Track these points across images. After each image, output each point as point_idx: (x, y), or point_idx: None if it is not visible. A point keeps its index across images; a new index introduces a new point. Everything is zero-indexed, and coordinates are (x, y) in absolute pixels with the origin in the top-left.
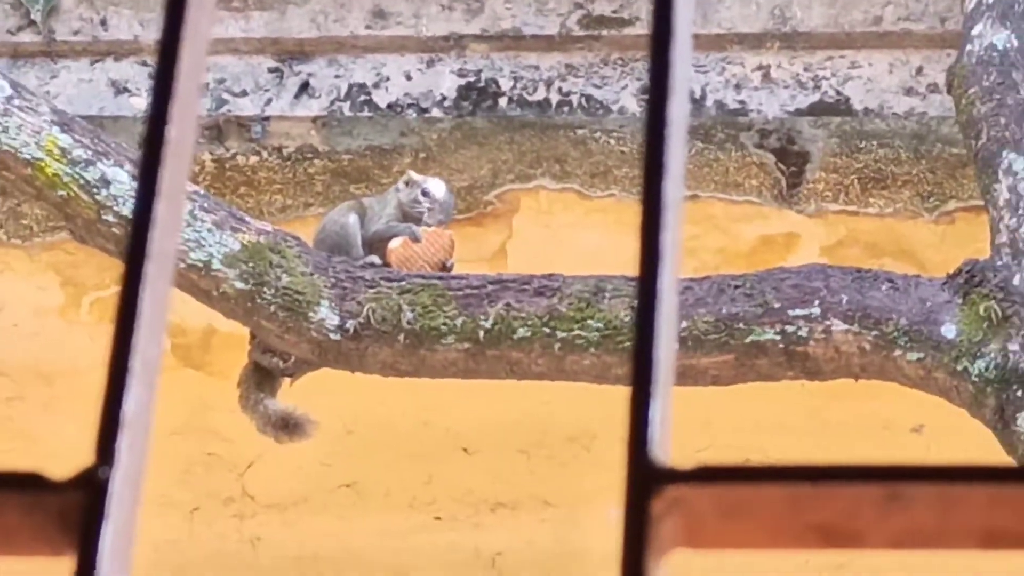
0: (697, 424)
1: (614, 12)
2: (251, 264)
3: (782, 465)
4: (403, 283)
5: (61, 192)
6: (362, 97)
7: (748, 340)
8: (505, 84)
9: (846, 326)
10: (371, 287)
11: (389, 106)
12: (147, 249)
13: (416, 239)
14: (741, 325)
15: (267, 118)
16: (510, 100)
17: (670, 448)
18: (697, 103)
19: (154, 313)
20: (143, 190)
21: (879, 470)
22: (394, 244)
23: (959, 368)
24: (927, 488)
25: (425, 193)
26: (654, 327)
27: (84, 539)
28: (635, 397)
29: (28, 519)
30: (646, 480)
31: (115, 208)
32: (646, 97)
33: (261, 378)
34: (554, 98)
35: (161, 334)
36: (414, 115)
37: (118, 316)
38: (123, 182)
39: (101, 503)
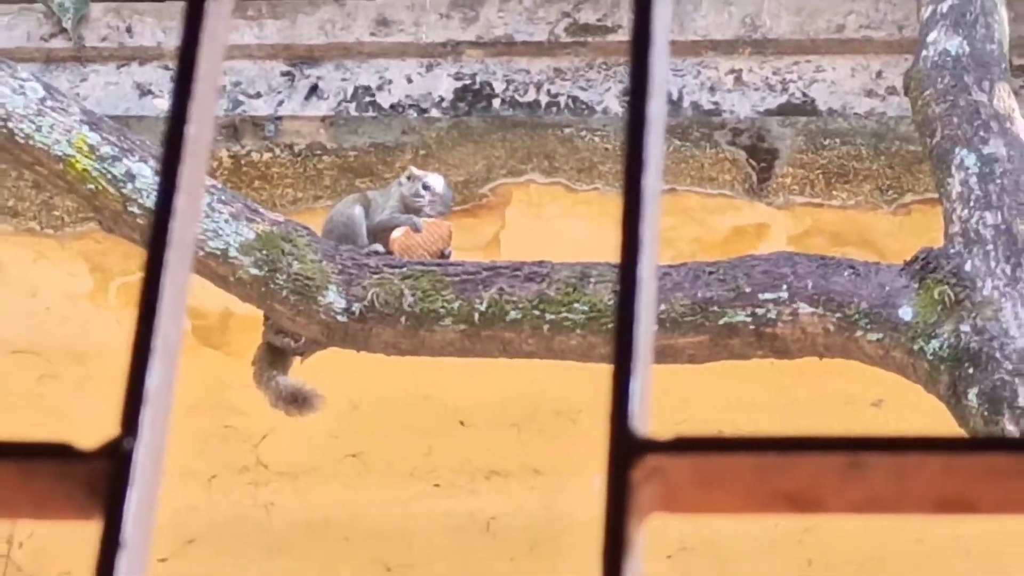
0: (675, 400)
1: (598, 20)
2: (265, 252)
3: (752, 437)
4: (404, 269)
5: (90, 186)
6: (367, 98)
7: (721, 322)
8: (498, 86)
9: (811, 309)
10: (375, 273)
11: (391, 107)
12: (168, 238)
13: (417, 229)
14: (715, 308)
15: (279, 118)
16: (503, 101)
17: (649, 420)
18: (674, 104)
19: (174, 297)
20: (165, 183)
21: (841, 441)
22: (397, 234)
23: (915, 347)
24: (885, 457)
25: (426, 187)
26: (634, 309)
27: (110, 504)
28: (617, 374)
29: (59, 486)
30: (627, 450)
31: (140, 200)
32: (628, 98)
33: (274, 357)
34: (543, 99)
35: (181, 316)
36: (414, 115)
37: (141, 299)
38: (147, 176)
39: (126, 471)
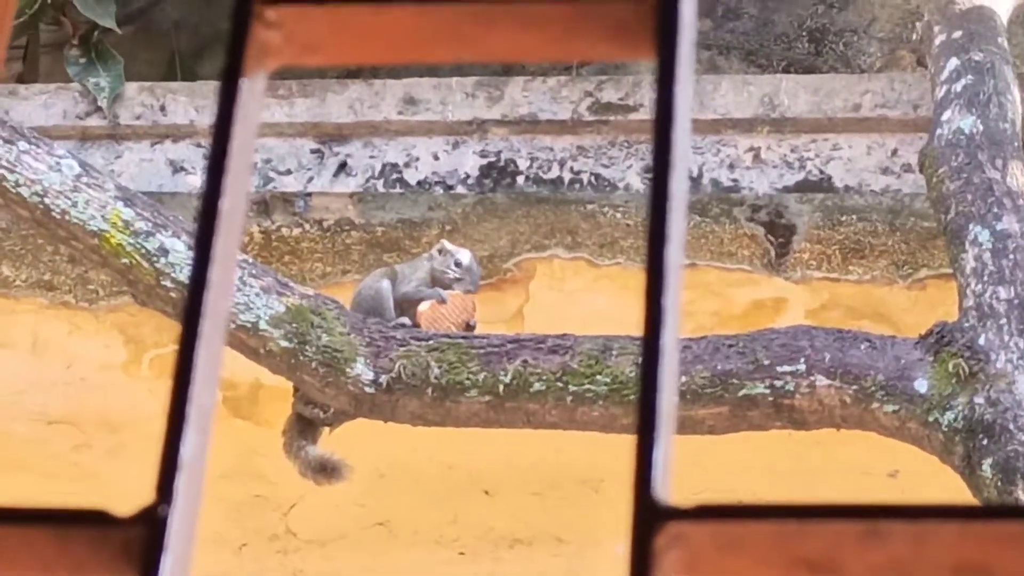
0: (695, 469)
1: (620, 99)
2: (294, 325)
3: (772, 504)
4: (431, 342)
5: (124, 260)
6: (394, 175)
7: (741, 394)
8: (522, 164)
9: (829, 381)
10: (402, 345)
11: (418, 183)
12: (203, 308)
13: (443, 301)
14: (734, 380)
15: (309, 194)
16: (527, 178)
17: (671, 489)
18: (694, 181)
19: (208, 365)
20: (199, 254)
21: (858, 508)
22: (423, 307)
23: (930, 419)
24: (902, 524)
25: (457, 263)
26: (657, 379)
27: (146, 570)
28: (640, 442)
29: (95, 552)
30: (650, 517)
31: (172, 275)
32: (650, 175)
33: (303, 427)
34: (567, 176)
35: (215, 385)
36: (441, 191)
37: (176, 368)
38: (180, 251)
39: (161, 537)
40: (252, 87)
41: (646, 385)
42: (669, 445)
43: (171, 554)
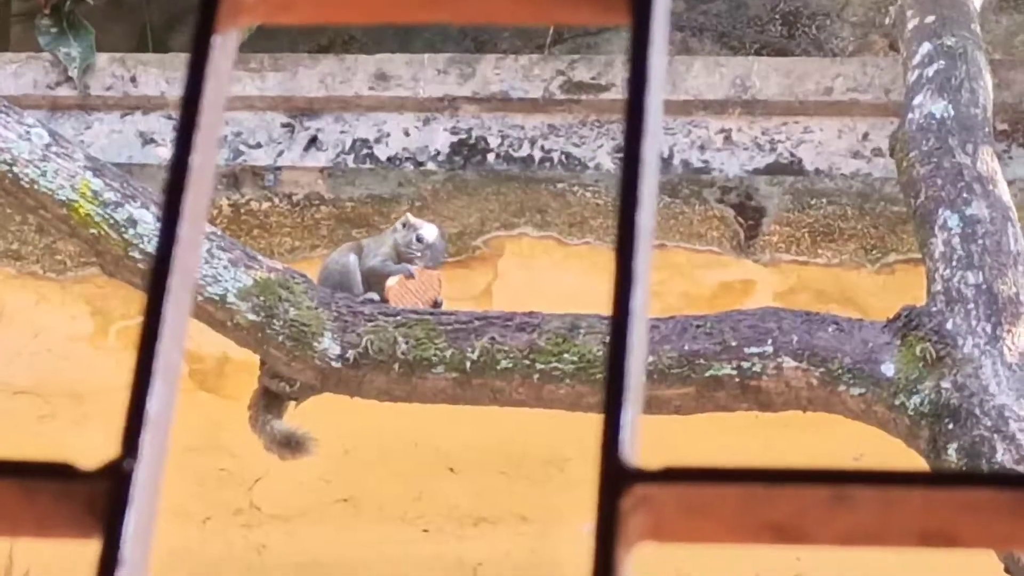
0: (660, 449)
1: (592, 79)
2: (262, 298)
3: (739, 468)
4: (398, 317)
5: (93, 231)
6: (364, 151)
7: (708, 374)
8: (493, 141)
9: (796, 363)
10: (369, 321)
11: (389, 159)
12: (170, 265)
13: (411, 276)
14: (701, 361)
15: (279, 168)
16: (497, 156)
17: (639, 451)
18: (665, 162)
19: (175, 322)
20: (168, 212)
21: (826, 473)
22: (391, 282)
23: (897, 403)
24: (869, 491)
25: (419, 239)
26: (626, 343)
27: (110, 524)
28: (608, 404)
29: (60, 505)
30: (617, 479)
31: (141, 246)
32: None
33: (269, 401)
34: (537, 155)
35: (182, 340)
36: (411, 168)
37: (143, 324)
38: (148, 222)
39: (126, 491)
40: (224, 44)
41: (615, 348)
42: (637, 408)
43: (135, 509)
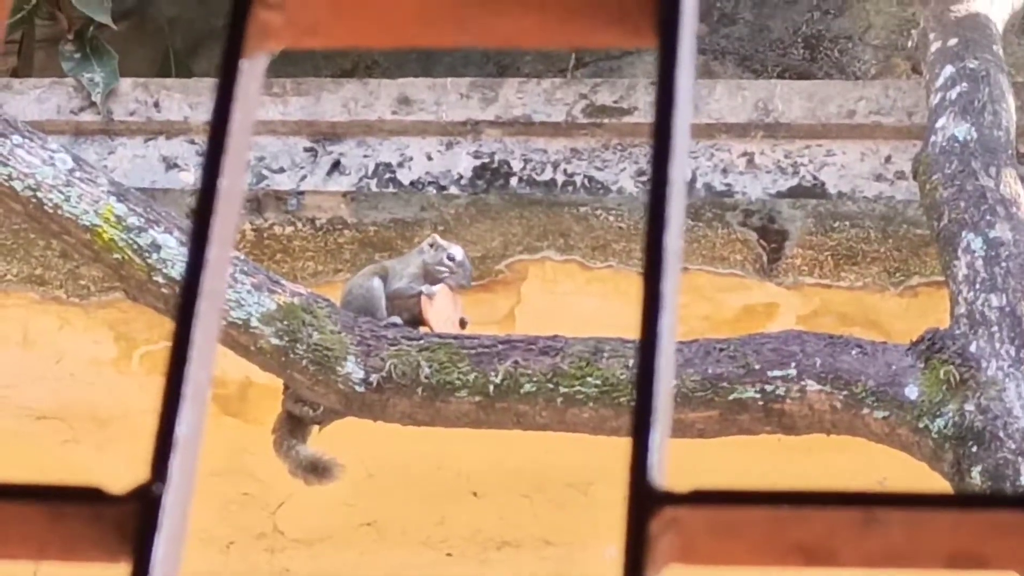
0: (683, 473)
1: (615, 102)
2: (285, 323)
3: (767, 490)
4: (421, 341)
5: (116, 255)
6: (387, 175)
7: (731, 398)
8: (516, 165)
9: (819, 386)
10: (393, 345)
11: (411, 183)
12: (199, 288)
13: (453, 289)
14: (725, 384)
15: (302, 192)
16: (520, 180)
17: (666, 474)
18: (688, 185)
19: (204, 345)
20: (197, 235)
21: (854, 496)
22: (431, 289)
23: (920, 426)
24: (898, 513)
25: (451, 257)
26: (654, 365)
27: (139, 548)
28: (636, 427)
29: (89, 529)
30: (645, 501)
31: (164, 271)
32: (644, 179)
33: (293, 425)
34: (560, 178)
35: (211, 364)
36: (434, 192)
37: (172, 347)
38: (172, 247)
39: (155, 516)
40: (252, 69)
41: (643, 370)
42: (665, 431)
43: (165, 532)
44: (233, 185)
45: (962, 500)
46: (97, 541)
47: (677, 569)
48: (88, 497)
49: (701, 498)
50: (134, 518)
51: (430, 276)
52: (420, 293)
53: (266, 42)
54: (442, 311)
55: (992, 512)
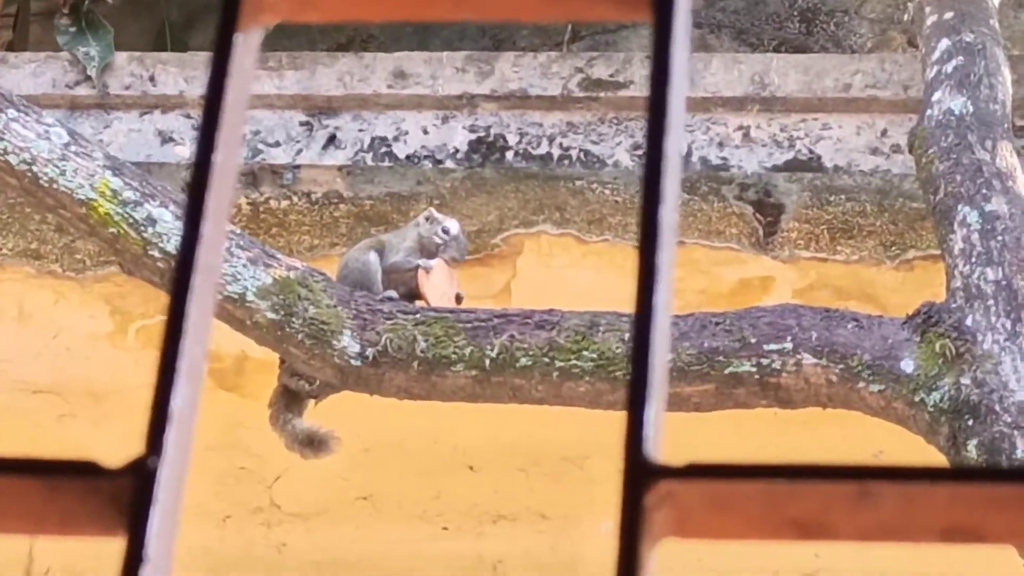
0: (679, 447)
1: (610, 76)
2: (281, 296)
3: (762, 464)
4: (417, 315)
5: (112, 229)
6: (383, 149)
7: (727, 371)
8: (512, 139)
9: (815, 360)
10: (389, 319)
11: (407, 157)
12: (194, 261)
13: (449, 263)
14: (721, 358)
15: (297, 166)
16: (516, 153)
17: (662, 447)
18: (684, 159)
19: (200, 318)
20: (192, 209)
21: (849, 470)
22: (430, 263)
23: (916, 399)
24: (893, 486)
25: (445, 230)
26: (650, 338)
27: (134, 521)
28: (632, 400)
29: (84, 503)
30: (641, 475)
31: (160, 244)
32: (639, 152)
33: (289, 399)
34: (556, 152)
35: (206, 337)
36: (430, 165)
37: (167, 321)
38: (167, 221)
39: (150, 489)
40: (247, 42)
41: (639, 344)
42: (661, 404)
43: (160, 506)
44: (228, 159)
45: (957, 473)
46: (93, 515)
47: (672, 542)
48: (84, 471)
49: (696, 472)
50: (130, 492)
51: (425, 249)
52: (417, 267)
53: (261, 16)
54: (438, 285)
55: (988, 486)
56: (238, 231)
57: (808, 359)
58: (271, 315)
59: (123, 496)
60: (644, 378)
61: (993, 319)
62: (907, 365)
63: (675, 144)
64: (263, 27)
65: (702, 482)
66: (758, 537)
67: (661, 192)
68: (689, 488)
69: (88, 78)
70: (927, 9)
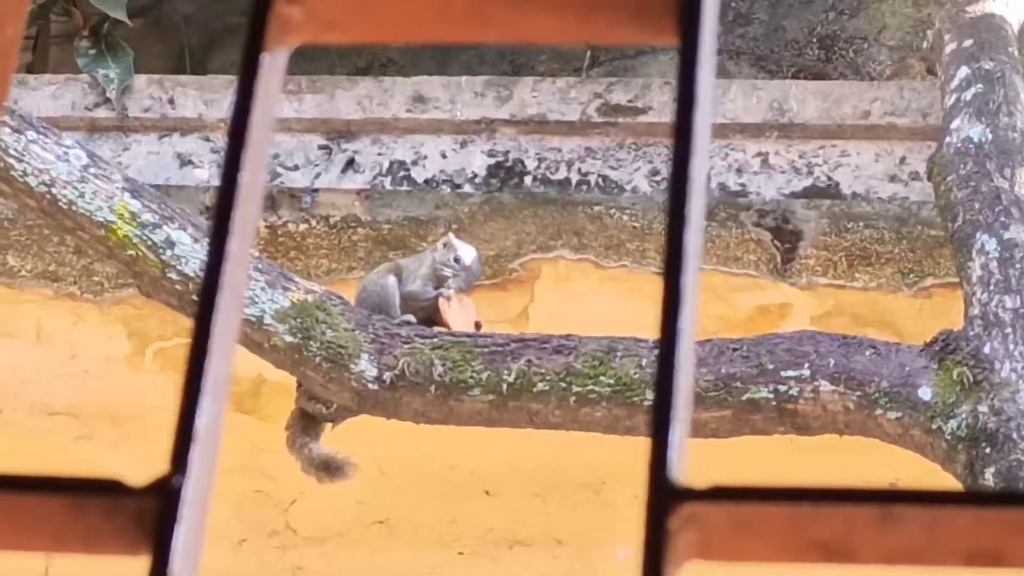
0: (696, 473)
1: (629, 101)
2: (299, 320)
3: (786, 487)
4: (435, 340)
5: (130, 252)
6: (402, 173)
7: (744, 397)
8: (530, 164)
9: (832, 387)
10: (406, 343)
11: (426, 181)
12: (220, 281)
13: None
14: (738, 384)
15: (316, 190)
16: (534, 179)
17: (686, 469)
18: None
19: (225, 337)
20: (218, 228)
21: (873, 493)
22: (449, 291)
23: (934, 427)
24: (918, 510)
25: (457, 260)
26: (674, 361)
27: (159, 540)
28: (656, 423)
29: (109, 521)
30: (665, 497)
31: (178, 267)
32: (658, 178)
33: (306, 423)
34: (574, 177)
35: (231, 357)
36: (448, 190)
37: (192, 340)
38: (186, 244)
39: (175, 508)
40: (273, 63)
41: (663, 365)
42: (685, 426)
43: (184, 525)
44: (254, 179)
45: (980, 498)
46: (117, 533)
47: (696, 565)
48: (108, 489)
49: (720, 494)
50: (154, 510)
51: (437, 275)
52: (437, 296)
53: (287, 36)
54: (459, 313)
55: (1011, 510)
56: (256, 254)
57: (825, 386)
58: (289, 338)
59: (148, 515)
60: (668, 400)
61: (1011, 347)
62: (925, 393)
63: (700, 167)
64: (288, 48)
65: (726, 505)
66: (782, 560)
67: (686, 216)
68: (713, 511)
69: (107, 100)
70: (946, 37)
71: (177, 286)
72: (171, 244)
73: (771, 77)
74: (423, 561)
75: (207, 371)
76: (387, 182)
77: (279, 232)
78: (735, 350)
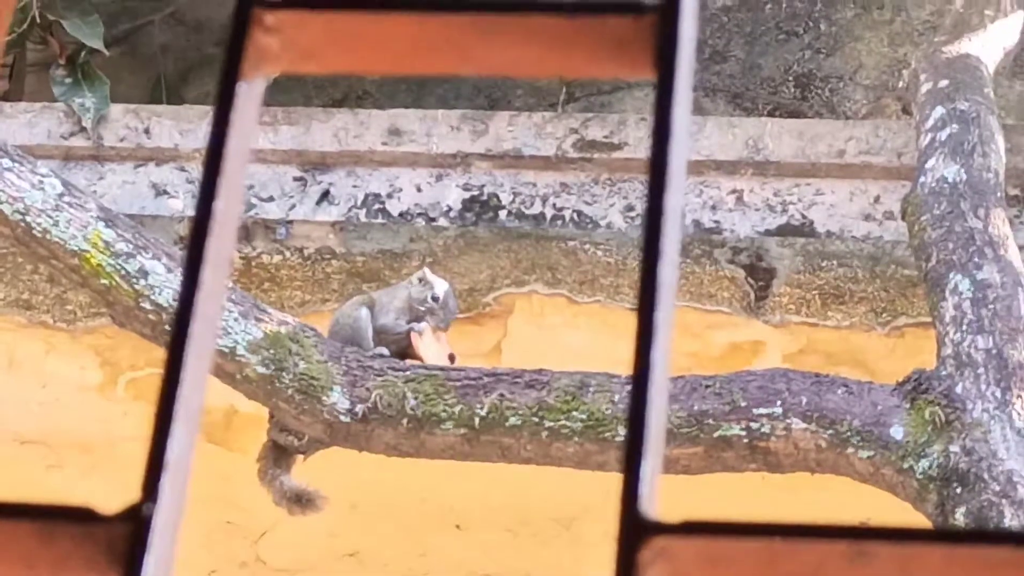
0: (668, 509)
1: (605, 137)
2: (272, 351)
3: (758, 522)
4: (408, 373)
5: (104, 281)
6: (376, 205)
7: (716, 434)
8: (505, 198)
9: (805, 425)
10: (379, 375)
11: (400, 214)
12: (193, 309)
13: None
14: (710, 421)
15: (290, 222)
16: (509, 213)
17: (657, 504)
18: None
19: (197, 365)
20: (192, 256)
21: (845, 529)
22: (420, 326)
23: (905, 466)
24: (889, 547)
25: (435, 297)
26: (646, 394)
27: (129, 568)
28: (627, 456)
29: (79, 548)
30: (636, 531)
31: (152, 297)
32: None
33: (278, 455)
34: (549, 212)
35: (203, 385)
36: (423, 223)
37: (165, 368)
38: (160, 274)
39: (145, 535)
40: (250, 92)
41: (636, 400)
42: (657, 461)
43: (155, 553)
44: (229, 208)
45: (952, 536)
46: (87, 561)
47: None
48: (79, 516)
49: (691, 529)
50: (125, 538)
51: (413, 311)
52: (409, 331)
53: (264, 66)
54: (432, 346)
55: (984, 548)
56: (230, 285)
57: (797, 424)
58: (261, 369)
59: (118, 542)
60: (641, 434)
61: (983, 387)
62: (896, 432)
63: (675, 201)
64: (266, 77)
65: (697, 539)
66: None
67: (660, 250)
68: (684, 545)
69: (83, 129)
70: (922, 77)
71: (150, 316)
72: (145, 274)
73: (747, 115)
74: None
75: (179, 400)
76: (362, 214)
77: (253, 263)
78: (708, 387)
